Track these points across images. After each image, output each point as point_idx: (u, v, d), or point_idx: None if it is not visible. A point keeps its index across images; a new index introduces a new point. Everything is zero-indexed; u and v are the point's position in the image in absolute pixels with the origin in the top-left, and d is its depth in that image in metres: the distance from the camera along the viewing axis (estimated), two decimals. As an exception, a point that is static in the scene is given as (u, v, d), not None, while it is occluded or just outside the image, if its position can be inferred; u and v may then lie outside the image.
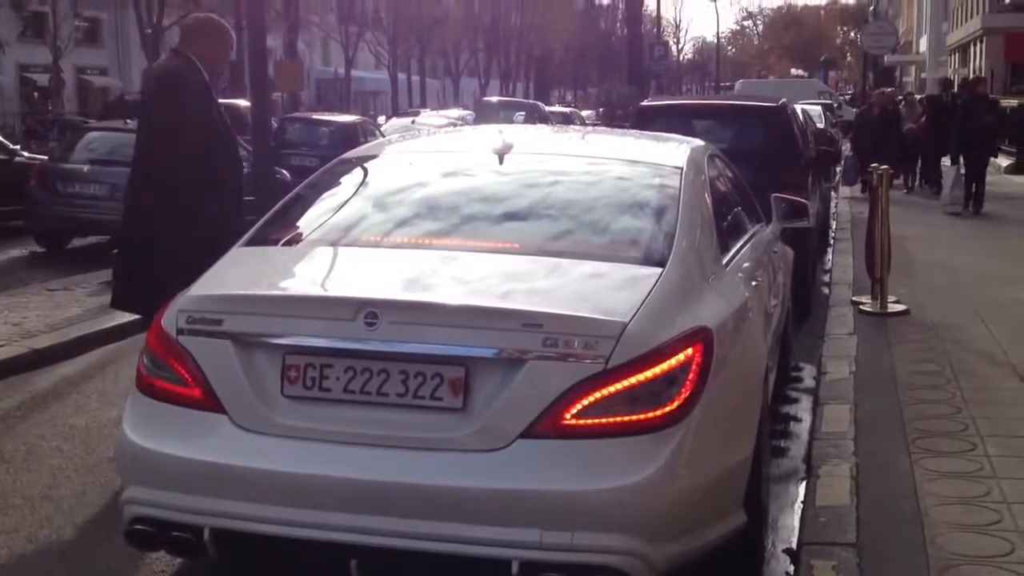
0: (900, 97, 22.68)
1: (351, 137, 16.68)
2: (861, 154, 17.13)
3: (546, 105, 42.13)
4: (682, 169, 4.21)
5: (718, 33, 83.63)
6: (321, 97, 56.14)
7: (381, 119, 31.81)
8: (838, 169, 18.63)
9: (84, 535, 4.22)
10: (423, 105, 52.43)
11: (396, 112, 45.71)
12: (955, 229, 13.51)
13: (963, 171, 15.27)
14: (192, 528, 3.18)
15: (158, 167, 5.31)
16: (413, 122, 26.43)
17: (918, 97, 22.69)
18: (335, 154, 5.07)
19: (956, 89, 19.10)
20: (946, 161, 16.24)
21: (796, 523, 4.34)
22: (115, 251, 5.90)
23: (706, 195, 4.24)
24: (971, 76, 28.04)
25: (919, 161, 18.56)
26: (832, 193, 16.57)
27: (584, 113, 41.47)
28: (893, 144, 16.99)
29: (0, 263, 10.99)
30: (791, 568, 3.93)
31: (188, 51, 5.48)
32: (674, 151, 4.66)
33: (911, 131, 18.24)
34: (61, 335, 7.41)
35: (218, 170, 5.40)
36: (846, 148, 20.21)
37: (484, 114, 32.31)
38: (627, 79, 31.84)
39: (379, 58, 57.26)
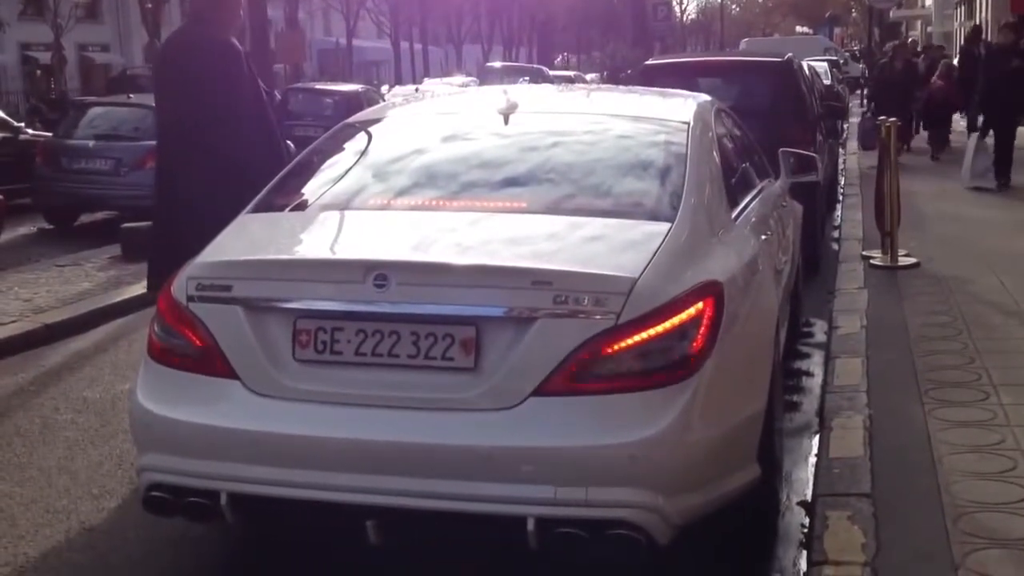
0: (919, 49, 20.63)
1: (355, 106, 16.54)
2: (884, 115, 13.53)
3: (550, 69, 41.88)
4: (689, 124, 4.18)
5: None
6: (323, 67, 55.87)
7: (384, 88, 31.69)
8: (845, 125, 18.46)
9: (101, 505, 4.25)
10: (426, 73, 52.17)
11: (399, 81, 45.53)
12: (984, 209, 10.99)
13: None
14: (208, 493, 3.20)
15: (214, 137, 5.13)
16: (417, 90, 26.32)
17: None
18: (339, 124, 5.04)
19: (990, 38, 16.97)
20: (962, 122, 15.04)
21: (810, 476, 4.35)
22: (154, 236, 5.64)
23: (713, 150, 4.21)
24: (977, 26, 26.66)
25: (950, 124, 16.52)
26: (840, 149, 16.38)
27: (588, 76, 41.24)
28: (916, 102, 15.74)
29: (9, 240, 11.00)
30: (806, 520, 3.94)
31: (209, 18, 5.37)
32: (680, 107, 4.63)
33: (940, 89, 15.96)
34: (72, 310, 7.43)
35: (272, 135, 5.32)
36: (854, 106, 19.76)
37: (488, 80, 32.16)
38: (631, 41, 31.62)
39: (380, 27, 56.94)
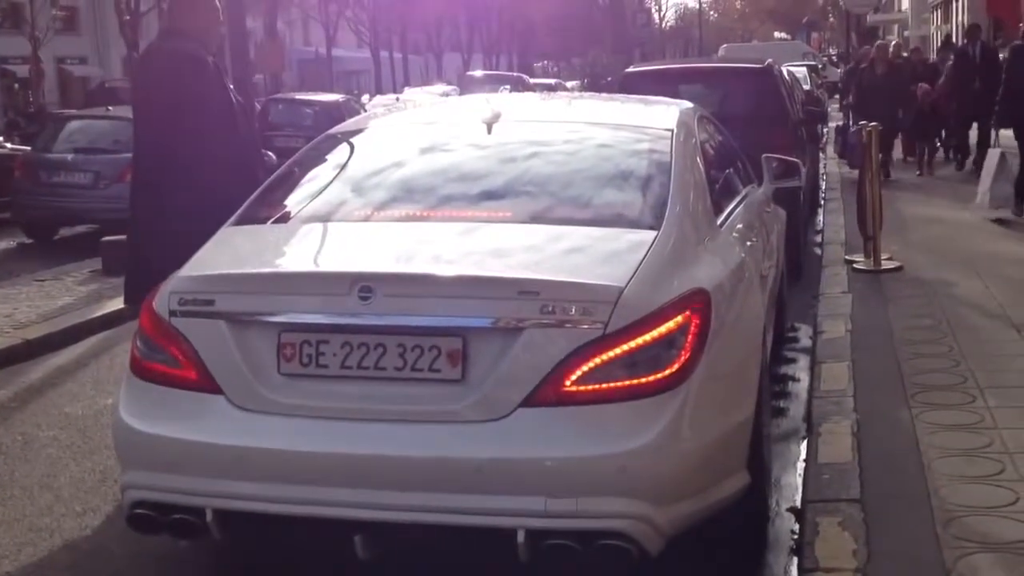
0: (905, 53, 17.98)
1: (335, 116, 16.53)
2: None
3: (531, 77, 41.96)
4: (673, 131, 4.17)
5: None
6: (303, 77, 55.76)
7: (365, 98, 31.64)
8: (825, 130, 18.43)
9: (85, 522, 4.19)
10: (407, 83, 52.14)
11: (380, 90, 45.48)
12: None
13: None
14: (194, 510, 3.16)
15: (182, 153, 5.06)
16: (397, 99, 26.29)
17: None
18: (320, 134, 5.00)
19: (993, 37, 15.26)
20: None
21: (799, 482, 4.34)
22: (130, 250, 5.58)
23: (697, 157, 4.20)
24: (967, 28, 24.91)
25: (941, 134, 15.22)
26: (821, 153, 16.37)
27: (569, 84, 41.33)
28: (908, 109, 14.11)
29: (-12, 255, 10.91)
30: (796, 526, 3.93)
31: (184, 28, 5.32)
32: (663, 114, 4.62)
33: (927, 95, 14.63)
34: (53, 324, 7.36)
35: (243, 150, 5.27)
36: (833, 110, 19.32)
37: (469, 89, 32.23)
38: (611, 48, 31.72)
39: (360, 36, 56.89)
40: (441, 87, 36.96)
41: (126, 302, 5.63)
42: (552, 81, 41.99)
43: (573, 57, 64.85)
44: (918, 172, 14.48)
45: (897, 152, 15.45)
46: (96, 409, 5.61)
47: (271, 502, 3.10)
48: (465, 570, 3.48)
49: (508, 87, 31.61)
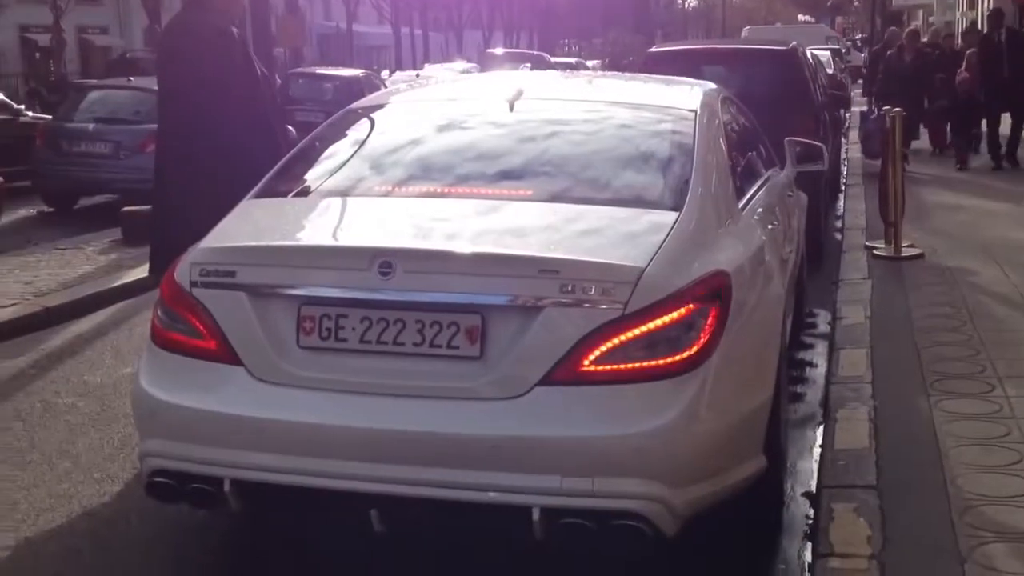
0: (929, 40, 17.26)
1: (356, 92, 16.53)
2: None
3: (552, 56, 41.76)
4: (696, 112, 4.15)
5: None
6: (324, 52, 55.66)
7: (384, 73, 31.58)
8: (848, 114, 18.27)
9: (103, 489, 4.23)
10: (426, 59, 52.00)
11: (399, 66, 45.37)
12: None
13: None
14: (212, 480, 3.18)
15: (208, 122, 5.11)
16: (417, 76, 26.22)
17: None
18: (340, 109, 5.00)
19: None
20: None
21: (815, 467, 4.33)
22: (153, 220, 5.60)
23: (720, 139, 4.18)
24: (983, 16, 22.24)
25: (980, 124, 13.95)
26: (843, 138, 16.20)
27: (590, 63, 41.12)
28: (939, 97, 13.49)
29: (9, 223, 10.95)
30: (811, 512, 3.92)
31: (213, 3, 5.33)
32: (687, 94, 4.59)
33: (964, 83, 13.67)
34: (73, 293, 7.41)
35: (267, 118, 5.29)
36: (855, 95, 18.90)
37: (488, 66, 32.04)
38: (632, 28, 31.53)
39: (381, 12, 56.72)
40: (461, 64, 36.82)
41: (151, 272, 5.66)
42: (573, 60, 41.75)
43: (594, 37, 64.51)
44: (958, 166, 13.29)
45: (923, 143, 14.95)
46: (115, 378, 5.65)
47: (288, 473, 3.12)
48: (478, 551, 3.49)
49: (528, 65, 31.45)
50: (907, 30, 16.42)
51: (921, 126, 14.71)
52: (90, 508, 4.07)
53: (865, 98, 19.63)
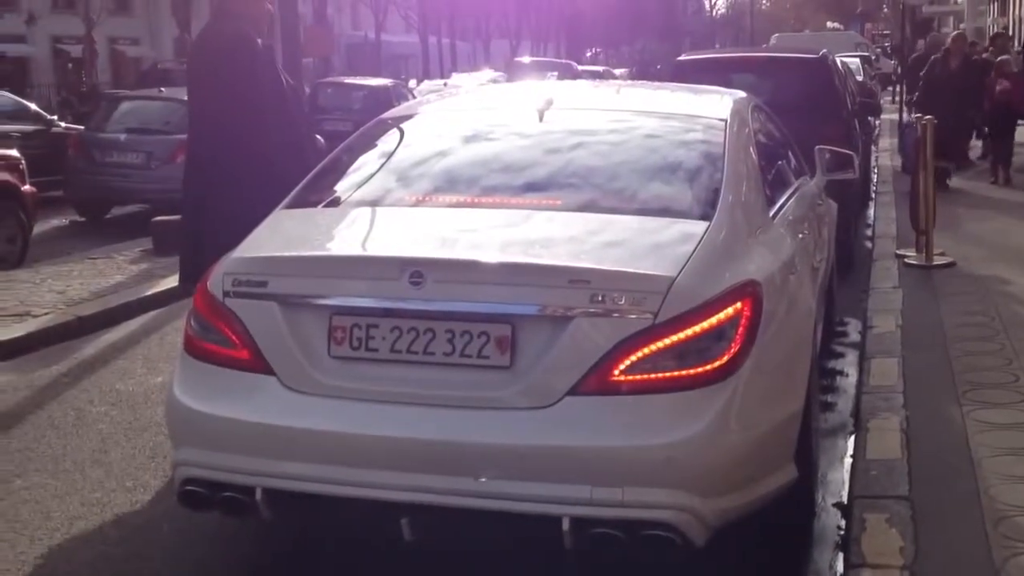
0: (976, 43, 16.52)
1: (384, 101, 16.68)
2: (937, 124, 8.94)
3: (579, 64, 41.78)
4: (726, 121, 4.14)
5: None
6: (352, 62, 55.96)
7: (412, 82, 31.72)
8: (877, 122, 18.11)
9: (135, 498, 4.26)
10: (454, 68, 52.15)
11: (427, 75, 45.55)
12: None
13: None
14: (244, 488, 3.20)
15: (237, 131, 5.16)
16: (445, 84, 26.32)
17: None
18: (369, 118, 5.03)
19: None
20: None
21: (846, 477, 4.30)
22: (183, 230, 5.66)
23: (751, 148, 4.17)
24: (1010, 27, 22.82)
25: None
26: (872, 146, 16.06)
27: (617, 71, 41.11)
28: (980, 108, 12.80)
29: (42, 233, 11.07)
30: (843, 522, 3.90)
31: (236, 10, 5.39)
32: (717, 103, 4.58)
33: (1004, 92, 12.87)
34: (105, 302, 7.48)
35: (295, 128, 5.34)
36: (885, 103, 18.41)
37: (516, 75, 32.09)
38: (660, 36, 31.47)
39: (408, 21, 56.98)
40: (489, 73, 36.89)
41: (181, 281, 5.70)
42: (600, 68, 41.77)
43: (622, 45, 64.48)
44: (992, 179, 12.72)
45: (975, 153, 14.37)
46: (147, 387, 5.69)
47: (319, 483, 3.13)
48: (506, 558, 3.49)
49: (555, 74, 31.48)
50: (953, 33, 15.61)
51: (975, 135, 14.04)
52: (122, 516, 4.11)
53: (896, 106, 19.25)
